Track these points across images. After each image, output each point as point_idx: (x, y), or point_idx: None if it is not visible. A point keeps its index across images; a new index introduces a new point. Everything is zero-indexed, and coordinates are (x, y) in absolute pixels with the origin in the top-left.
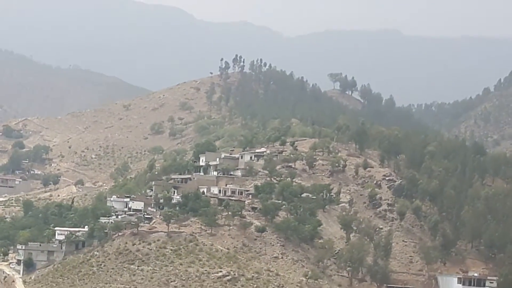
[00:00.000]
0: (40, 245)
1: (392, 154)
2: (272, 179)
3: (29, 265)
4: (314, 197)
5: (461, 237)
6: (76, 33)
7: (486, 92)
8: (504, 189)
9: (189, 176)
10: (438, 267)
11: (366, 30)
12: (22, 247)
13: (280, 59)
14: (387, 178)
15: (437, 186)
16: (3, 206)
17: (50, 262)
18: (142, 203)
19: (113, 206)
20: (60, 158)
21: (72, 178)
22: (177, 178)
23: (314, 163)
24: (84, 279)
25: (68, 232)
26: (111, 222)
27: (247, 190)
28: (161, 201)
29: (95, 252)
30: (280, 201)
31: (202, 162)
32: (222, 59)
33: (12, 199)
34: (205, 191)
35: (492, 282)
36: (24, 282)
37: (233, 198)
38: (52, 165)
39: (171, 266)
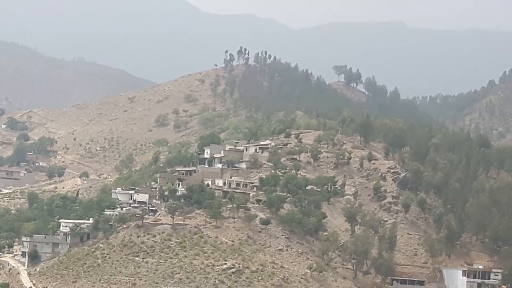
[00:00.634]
0: (45, 237)
1: (397, 147)
2: (277, 171)
3: (34, 257)
4: (319, 189)
5: (465, 230)
6: (81, 26)
7: (491, 84)
8: (509, 182)
9: (194, 168)
10: (442, 259)
11: (371, 22)
12: (27, 239)
13: (285, 51)
14: (391, 171)
15: (442, 179)
16: (8, 198)
17: (55, 254)
18: (147, 195)
19: (117, 198)
20: (65, 150)
21: (77, 170)
22: (181, 171)
23: (319, 155)
24: (89, 271)
25: (73, 224)
26: (116, 214)
27: (252, 183)
28: (166, 193)
29: (100, 244)
30: (284, 194)
31: (206, 155)
32: (226, 51)
33: (17, 191)
34: (210, 184)
35: (497, 275)
36: (29, 274)
37: (237, 191)
38: (57, 157)
39: (175, 258)
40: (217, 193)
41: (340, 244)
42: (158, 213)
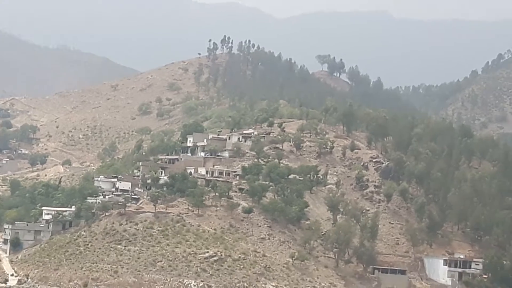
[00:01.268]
0: (27, 224)
1: (380, 136)
2: (260, 160)
3: (16, 245)
4: (301, 178)
5: (447, 219)
6: (64, 13)
7: (474, 74)
8: (491, 172)
9: (177, 156)
10: (424, 249)
11: (357, 11)
12: (9, 226)
13: (270, 40)
14: (374, 160)
15: (424, 168)
16: None
17: (37, 242)
18: (130, 184)
19: (100, 186)
20: (48, 138)
21: (59, 158)
22: (164, 159)
23: (302, 144)
24: (71, 259)
25: (55, 212)
26: (98, 202)
27: (235, 171)
28: (149, 181)
29: (82, 232)
30: (267, 182)
31: (189, 143)
32: (210, 40)
33: None
34: (193, 172)
35: (478, 264)
36: (11, 261)
37: (220, 179)
38: (40, 144)
39: (158, 246)
40: (199, 182)
41: (322, 233)
42: (140, 201)
